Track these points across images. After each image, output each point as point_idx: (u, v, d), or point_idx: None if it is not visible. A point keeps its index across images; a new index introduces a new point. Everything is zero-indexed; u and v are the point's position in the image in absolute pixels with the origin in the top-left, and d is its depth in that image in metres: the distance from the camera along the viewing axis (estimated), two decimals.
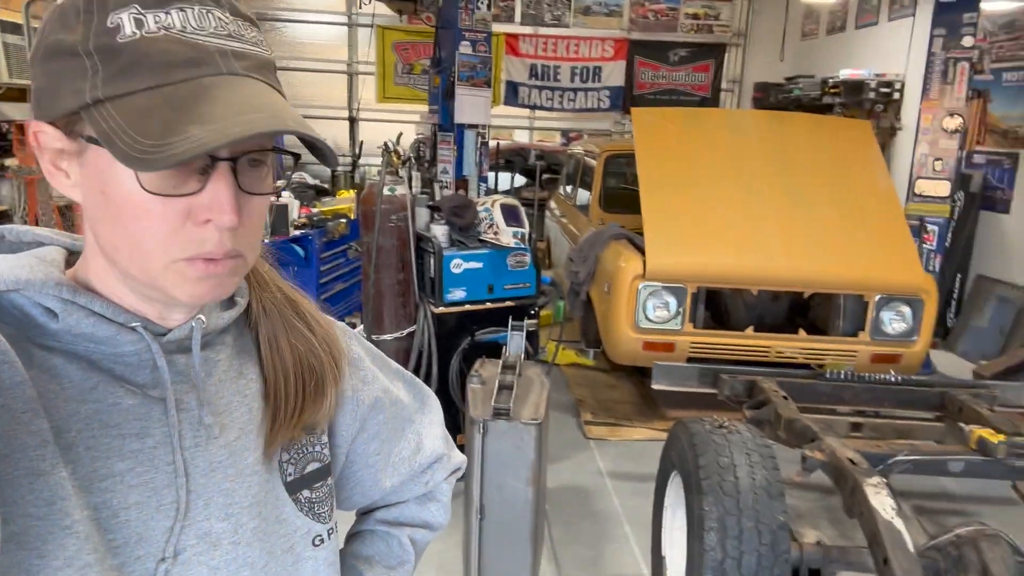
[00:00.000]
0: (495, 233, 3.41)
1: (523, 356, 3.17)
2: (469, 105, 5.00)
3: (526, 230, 3.49)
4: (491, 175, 8.89)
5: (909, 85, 6.99)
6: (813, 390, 3.33)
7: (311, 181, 7.56)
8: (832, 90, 7.66)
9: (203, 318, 0.69)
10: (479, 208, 3.50)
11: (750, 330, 4.15)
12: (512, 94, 9.94)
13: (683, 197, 4.26)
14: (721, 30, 10.00)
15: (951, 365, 5.72)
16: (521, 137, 10.85)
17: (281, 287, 0.79)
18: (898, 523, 2.11)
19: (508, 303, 3.54)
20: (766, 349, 4.06)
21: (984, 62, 6.16)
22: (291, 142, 0.70)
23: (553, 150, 9.57)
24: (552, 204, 7.64)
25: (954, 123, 5.29)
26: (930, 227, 5.38)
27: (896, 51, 7.22)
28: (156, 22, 0.57)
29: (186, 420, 0.67)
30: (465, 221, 3.30)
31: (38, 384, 0.60)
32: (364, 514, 0.96)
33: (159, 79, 0.57)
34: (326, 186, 7.80)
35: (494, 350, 3.31)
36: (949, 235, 6.29)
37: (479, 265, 3.42)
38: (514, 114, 10.35)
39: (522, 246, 3.49)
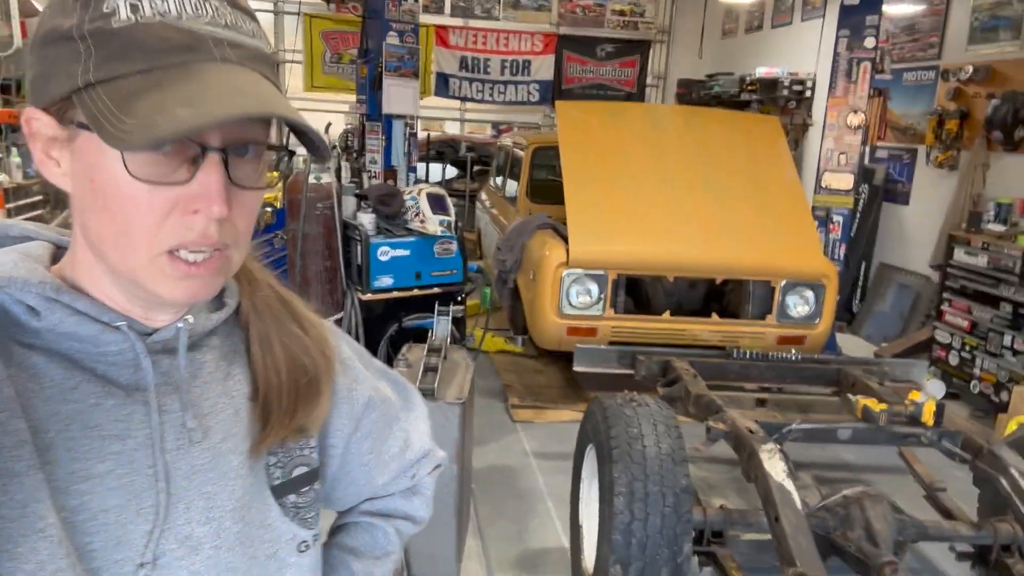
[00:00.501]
0: (422, 221, 3.49)
1: (449, 341, 3.27)
2: (397, 96, 5.05)
3: (452, 218, 3.58)
4: (422, 166, 8.94)
5: (820, 83, 7.36)
6: (722, 369, 3.55)
7: None
8: (749, 87, 8.01)
9: (190, 319, 0.67)
10: (406, 197, 3.58)
11: (667, 314, 4.36)
12: (442, 85, 9.99)
13: (605, 188, 4.43)
14: (646, 27, 10.28)
15: (856, 347, 6.10)
16: (452, 128, 10.91)
17: (273, 285, 0.77)
18: (788, 484, 2.31)
19: (435, 290, 3.63)
20: (682, 332, 4.28)
21: (885, 62, 6.57)
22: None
23: (484, 142, 9.67)
24: (483, 195, 7.75)
25: (857, 120, 5.64)
26: (836, 218, 5.72)
27: (808, 50, 7.59)
28: (152, 8, 0.57)
29: (168, 422, 0.66)
30: (392, 209, 3.38)
31: (17, 383, 0.59)
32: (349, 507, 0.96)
33: (151, 63, 0.56)
34: None
35: (421, 336, 3.41)
36: (854, 225, 6.69)
37: (406, 253, 3.50)
38: (445, 105, 10.40)
39: (448, 234, 3.58)
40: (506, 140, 7.19)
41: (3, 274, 0.61)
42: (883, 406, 2.69)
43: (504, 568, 2.93)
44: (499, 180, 6.95)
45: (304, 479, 0.76)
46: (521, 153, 6.03)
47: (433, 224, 3.47)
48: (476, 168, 9.62)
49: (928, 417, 2.67)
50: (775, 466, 2.35)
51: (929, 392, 5.05)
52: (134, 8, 0.57)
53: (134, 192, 0.57)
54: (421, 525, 0.97)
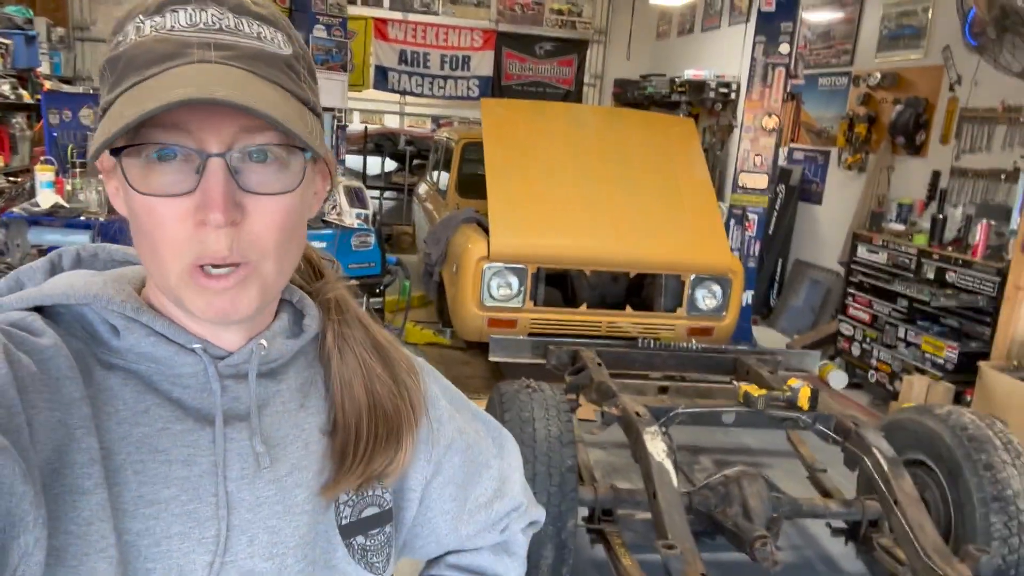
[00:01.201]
0: (339, 214, 3.56)
1: None
2: (325, 88, 5.07)
3: (370, 211, 3.67)
4: (358, 159, 8.94)
5: (744, 86, 7.64)
6: (628, 358, 3.73)
7: None
8: (679, 88, 8.25)
9: (264, 343, 0.66)
10: None
11: (584, 307, 4.52)
12: (382, 79, 9.99)
13: (526, 184, 4.56)
14: (584, 27, 10.46)
15: (771, 339, 6.38)
16: (392, 122, 10.91)
17: (362, 320, 0.75)
18: (667, 464, 2.48)
19: (353, 282, 3.70)
20: (597, 324, 4.45)
21: (799, 68, 6.86)
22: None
23: (423, 136, 9.71)
24: (419, 189, 7.82)
25: (772, 122, 5.90)
26: (751, 216, 5.98)
27: (735, 54, 7.87)
28: (151, 26, 0.58)
29: (234, 450, 0.64)
30: None
31: (94, 404, 0.60)
32: (434, 558, 0.89)
33: (137, 77, 0.58)
34: None
35: None
36: (772, 224, 6.99)
37: (323, 245, 3.56)
38: (384, 99, 10.39)
39: (365, 227, 3.66)
40: (441, 134, 7.27)
41: (91, 292, 0.62)
42: (763, 392, 2.89)
43: None
44: (435, 174, 7.03)
45: (374, 520, 0.73)
46: (452, 147, 6.13)
47: (350, 217, 3.55)
48: (415, 162, 9.66)
49: (804, 402, 2.87)
50: (656, 447, 2.51)
51: (832, 382, 5.36)
52: (138, 29, 0.59)
53: (150, 207, 0.58)
54: None
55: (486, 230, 4.52)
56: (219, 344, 0.65)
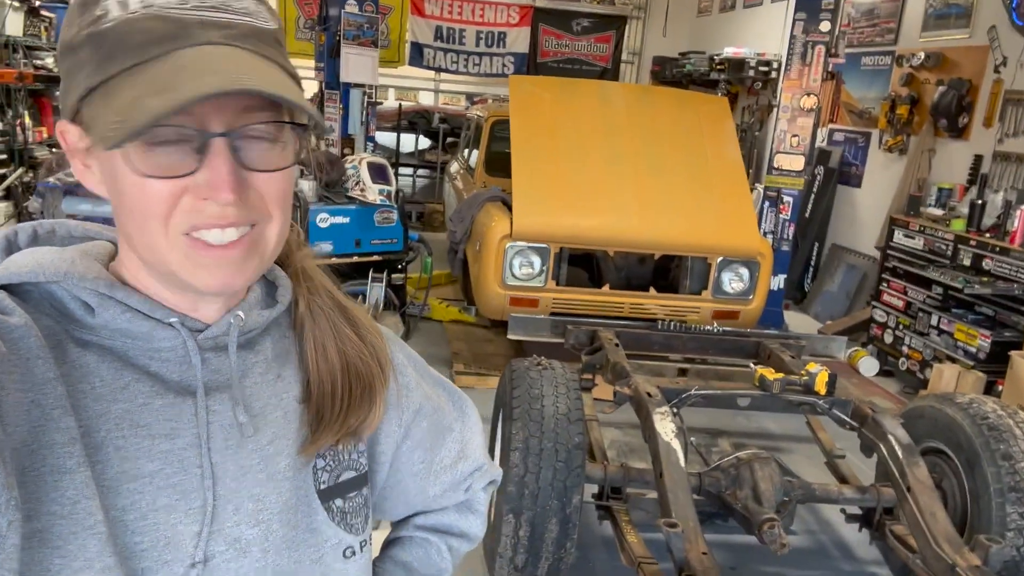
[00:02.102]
0: (362, 190, 3.60)
1: (382, 307, 3.41)
2: (355, 64, 5.12)
3: (393, 188, 3.70)
4: (391, 135, 8.99)
5: (783, 65, 7.46)
6: (648, 340, 3.71)
7: None
8: (718, 67, 8.09)
9: (241, 315, 0.67)
10: (347, 166, 3.68)
11: (606, 287, 4.51)
12: (417, 55, 10.00)
13: (551, 162, 4.54)
14: (623, 2, 10.31)
15: (803, 325, 6.29)
16: (426, 99, 10.93)
17: (330, 289, 0.76)
18: (676, 444, 2.47)
19: (375, 257, 3.76)
20: (620, 305, 4.43)
21: (840, 47, 6.67)
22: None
23: (457, 113, 9.71)
24: (451, 167, 7.84)
25: (810, 102, 5.76)
26: (786, 198, 5.87)
27: (775, 32, 7.68)
28: (140, 1, 0.57)
29: (216, 421, 0.65)
30: (331, 177, 3.48)
31: (69, 382, 0.60)
32: (402, 519, 0.93)
33: (137, 58, 0.56)
34: None
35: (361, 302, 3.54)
36: (809, 207, 6.85)
37: (346, 220, 3.61)
38: (419, 75, 10.41)
39: (388, 203, 3.70)
40: (473, 112, 7.26)
41: (61, 269, 0.62)
42: (779, 375, 2.85)
43: None
44: (466, 152, 7.04)
45: (351, 484, 0.75)
46: (482, 125, 6.12)
47: (373, 193, 3.58)
48: (448, 140, 9.68)
49: (821, 387, 2.83)
50: (665, 427, 2.51)
51: (862, 369, 5.26)
52: (123, 5, 0.57)
53: (147, 187, 0.58)
54: (475, 543, 0.95)
55: (510, 208, 4.52)
56: (196, 317, 0.65)
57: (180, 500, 0.63)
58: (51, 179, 3.41)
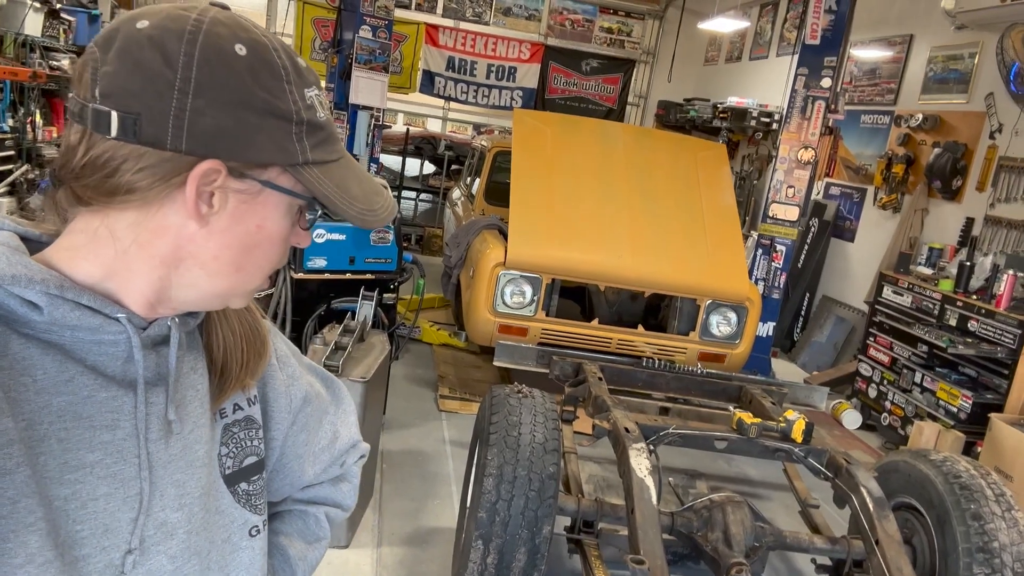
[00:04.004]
0: None
1: (370, 324, 3.43)
2: (365, 87, 5.21)
3: None
4: (396, 159, 9.09)
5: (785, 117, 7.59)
6: (631, 376, 3.74)
7: None
8: (721, 115, 8.23)
9: (176, 319, 0.72)
10: None
11: (595, 322, 4.54)
12: (428, 83, 10.15)
13: (549, 195, 4.61)
14: (632, 46, 10.50)
15: (790, 373, 6.32)
16: (434, 126, 11.07)
17: None
18: (649, 481, 2.49)
19: (368, 276, 3.79)
20: (607, 340, 4.46)
21: (840, 103, 6.81)
22: None
23: (463, 142, 9.83)
24: (453, 193, 7.92)
25: (807, 155, 5.86)
26: (779, 247, 5.94)
27: (780, 85, 7.82)
28: (321, 104, 0.71)
29: (153, 414, 0.70)
30: None
31: (9, 377, 0.61)
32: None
33: (335, 154, 0.72)
34: None
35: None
36: (802, 257, 6.92)
37: (342, 237, 3.65)
38: (429, 103, 10.56)
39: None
40: (478, 141, 7.36)
41: (5, 272, 0.62)
42: (756, 420, 2.88)
43: (393, 542, 3.09)
44: (468, 180, 7.12)
45: (254, 468, 0.82)
46: (485, 155, 6.21)
47: None
48: (453, 167, 9.79)
49: (797, 434, 2.85)
50: (640, 463, 2.52)
51: (845, 422, 5.28)
52: (321, 104, 0.71)
53: (286, 237, 0.73)
54: (348, 512, 1.04)
55: (507, 237, 4.57)
56: (141, 314, 0.69)
57: (119, 488, 0.67)
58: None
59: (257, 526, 0.82)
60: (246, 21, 0.69)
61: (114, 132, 0.63)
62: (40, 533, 0.61)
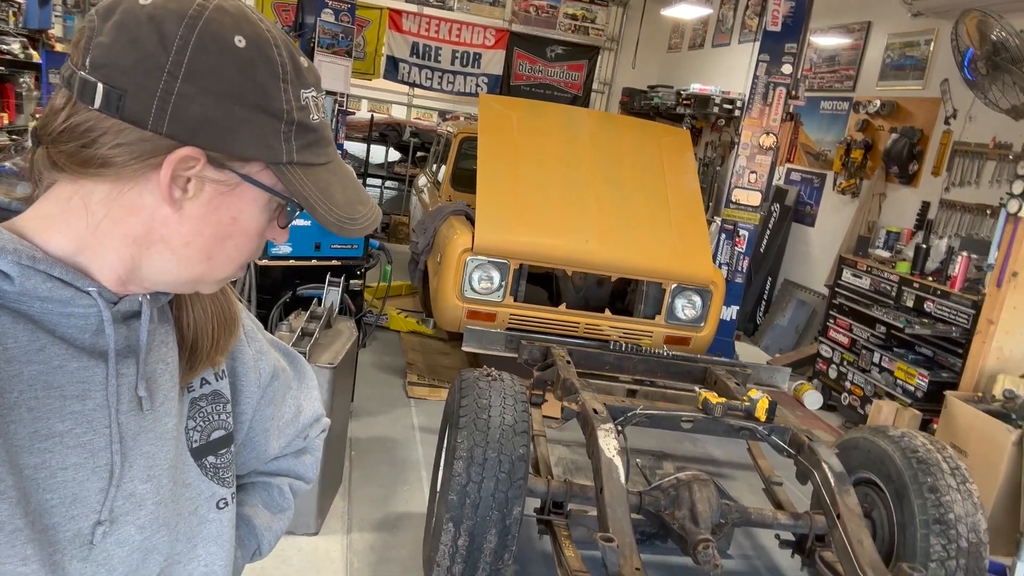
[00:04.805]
0: None
1: (337, 311, 3.40)
2: (328, 72, 5.14)
3: None
4: (361, 146, 8.99)
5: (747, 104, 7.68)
6: (599, 359, 3.77)
7: None
8: (684, 101, 8.30)
9: (148, 296, 0.72)
10: None
11: (563, 307, 4.57)
12: (392, 69, 10.05)
13: (516, 181, 4.61)
14: (596, 33, 10.52)
15: (753, 356, 6.43)
16: (399, 113, 10.97)
17: None
18: (617, 461, 2.52)
19: (334, 262, 3.75)
20: (575, 324, 4.49)
21: (800, 90, 6.91)
22: None
23: (428, 129, 9.76)
24: (419, 180, 7.87)
25: (769, 141, 5.95)
26: (742, 232, 6.02)
27: (740, 72, 7.92)
28: (316, 107, 0.70)
29: (124, 385, 0.70)
30: None
31: None
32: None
33: (323, 158, 0.71)
34: None
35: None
36: (764, 242, 7.03)
37: (307, 223, 3.61)
38: (394, 89, 10.45)
39: None
40: (444, 128, 7.32)
41: None
42: (721, 400, 2.93)
43: (363, 528, 3.09)
44: (434, 167, 7.08)
45: (221, 442, 0.83)
46: (451, 141, 6.18)
47: None
48: (418, 154, 9.72)
49: (761, 413, 2.91)
50: (608, 444, 2.55)
51: (807, 402, 5.40)
52: (316, 107, 0.70)
53: (262, 232, 0.73)
54: (310, 484, 1.06)
55: (472, 223, 4.57)
56: (121, 291, 0.70)
57: (88, 458, 0.67)
58: (7, 163, 3.34)
59: (225, 499, 0.83)
60: (253, 14, 0.68)
61: (97, 104, 0.63)
62: (10, 501, 0.60)
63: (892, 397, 4.66)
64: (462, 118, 9.95)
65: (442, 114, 10.87)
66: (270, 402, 0.93)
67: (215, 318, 0.81)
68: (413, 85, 10.27)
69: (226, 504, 0.83)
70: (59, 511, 0.65)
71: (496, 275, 4.41)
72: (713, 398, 2.93)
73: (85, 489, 0.67)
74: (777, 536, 3.12)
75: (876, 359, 4.93)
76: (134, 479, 0.71)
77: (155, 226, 0.67)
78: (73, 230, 0.67)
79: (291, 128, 0.67)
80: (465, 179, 5.83)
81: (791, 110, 6.91)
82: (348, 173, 0.75)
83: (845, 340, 5.33)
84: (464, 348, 3.87)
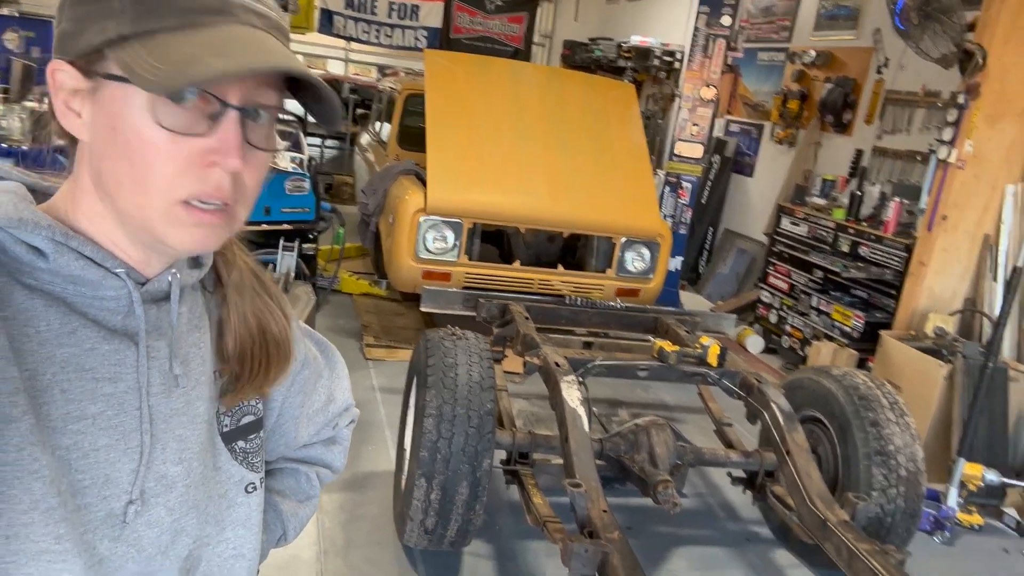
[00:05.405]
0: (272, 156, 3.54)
1: (292, 276, 3.38)
2: None
3: (305, 156, 3.65)
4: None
5: (688, 56, 7.76)
6: (555, 314, 3.85)
7: None
8: (625, 54, 8.31)
9: (178, 273, 0.72)
10: None
11: (517, 264, 4.62)
12: (327, 22, 9.74)
13: (466, 139, 4.59)
14: None
15: (696, 304, 6.63)
16: (336, 69, 10.68)
17: (246, 260, 0.82)
18: (581, 411, 2.61)
19: (285, 226, 3.71)
20: (530, 281, 4.56)
21: (738, 41, 7.02)
22: None
23: (368, 85, 9.56)
24: (361, 139, 7.73)
25: (710, 93, 6.05)
26: (685, 184, 6.16)
27: (680, 24, 7.96)
28: None
29: (155, 368, 0.70)
30: None
31: (13, 327, 0.62)
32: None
33: (184, 20, 0.61)
34: None
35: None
36: (705, 193, 7.20)
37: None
38: (329, 44, 10.15)
39: (300, 171, 3.65)
40: (385, 84, 7.18)
41: (7, 214, 0.63)
42: (676, 348, 3.05)
43: (332, 489, 3.13)
44: (377, 125, 6.96)
45: (251, 427, 0.83)
46: (395, 98, 6.08)
47: (284, 160, 3.53)
48: (359, 111, 9.52)
49: (713, 359, 3.04)
50: (572, 395, 2.64)
51: (749, 347, 5.63)
52: None
53: (156, 141, 0.61)
54: (338, 474, 1.06)
55: (423, 182, 4.55)
56: (145, 270, 0.70)
57: (119, 440, 0.68)
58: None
59: (254, 483, 0.84)
60: None
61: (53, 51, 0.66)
62: (44, 480, 0.62)
63: (830, 338, 4.90)
64: (402, 73, 9.76)
65: (381, 69, 10.64)
66: (300, 390, 0.92)
67: (260, 339, 0.79)
68: (349, 39, 10.00)
69: (255, 488, 0.84)
70: (91, 491, 0.66)
71: (450, 235, 4.42)
72: (668, 346, 3.05)
73: (117, 470, 0.68)
74: (729, 474, 3.30)
75: (814, 303, 5.16)
76: (166, 461, 0.72)
77: (94, 167, 0.66)
78: (82, 205, 0.68)
79: (123, 0, 0.61)
80: (412, 137, 5.76)
81: (730, 62, 7.03)
82: (241, 35, 0.63)
83: (784, 286, 5.55)
84: (422, 308, 3.89)
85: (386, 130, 6.31)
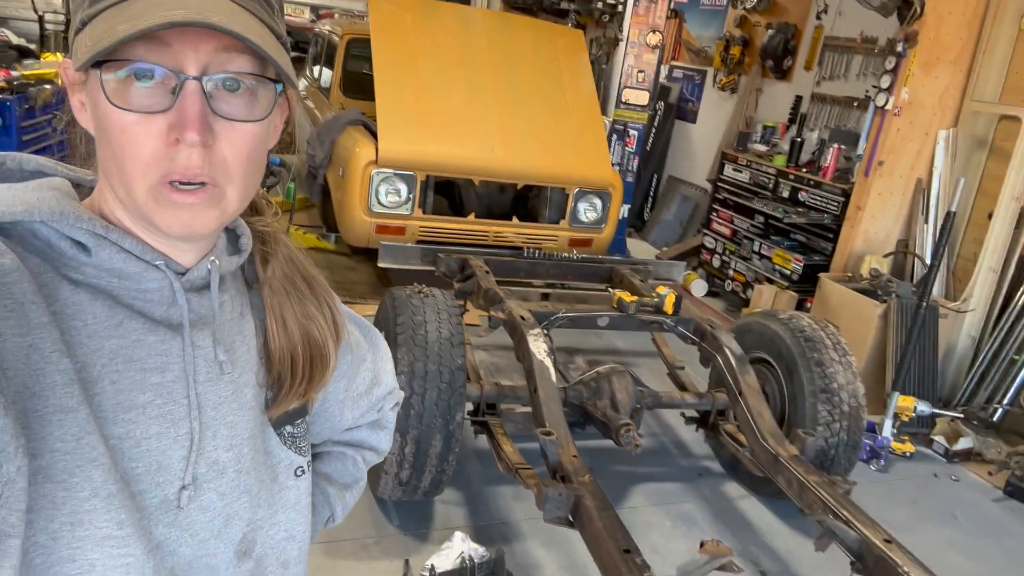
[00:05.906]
0: None
1: None
2: None
3: None
4: None
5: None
6: (514, 267, 3.91)
7: (14, 40, 6.59)
8: None
9: (216, 261, 0.72)
10: None
11: (472, 216, 4.64)
12: None
13: (415, 89, 4.51)
14: None
15: (643, 251, 6.79)
16: None
17: (289, 252, 0.81)
18: (547, 362, 2.70)
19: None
20: (484, 233, 4.58)
21: None
22: None
23: (300, 27, 9.19)
24: (298, 84, 7.47)
25: (655, 39, 6.06)
26: (632, 132, 6.21)
27: None
28: None
29: (200, 356, 0.71)
30: None
31: (62, 321, 0.63)
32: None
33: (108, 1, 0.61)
34: (32, 47, 6.86)
35: None
36: (650, 140, 7.29)
37: None
38: None
39: None
40: (323, 27, 6.93)
41: (51, 209, 0.64)
42: (634, 298, 3.16)
43: None
44: (315, 70, 6.74)
45: (297, 412, 0.83)
46: (336, 43, 5.89)
47: None
48: (293, 55, 9.18)
49: (669, 307, 3.17)
50: (538, 347, 2.73)
51: (694, 290, 5.82)
52: None
53: (124, 124, 0.61)
54: (383, 456, 1.06)
55: (373, 133, 4.47)
56: (176, 259, 0.70)
57: (170, 428, 0.69)
58: None
59: (302, 467, 0.85)
60: None
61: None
62: (103, 468, 0.63)
63: (771, 281, 5.12)
64: (337, 15, 9.40)
65: (315, 10, 10.23)
66: (344, 374, 0.92)
67: (302, 347, 0.79)
68: None
69: (303, 472, 0.85)
70: (145, 479, 0.68)
71: (403, 187, 4.39)
72: (627, 297, 3.15)
73: (168, 457, 0.69)
74: (682, 414, 3.47)
75: (756, 247, 5.35)
76: (217, 448, 0.73)
77: (98, 158, 0.68)
78: (108, 197, 0.69)
79: None
80: (356, 85, 5.62)
81: (674, 7, 7.03)
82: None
83: (727, 231, 5.73)
84: (380, 264, 3.89)
85: (326, 76, 6.12)
